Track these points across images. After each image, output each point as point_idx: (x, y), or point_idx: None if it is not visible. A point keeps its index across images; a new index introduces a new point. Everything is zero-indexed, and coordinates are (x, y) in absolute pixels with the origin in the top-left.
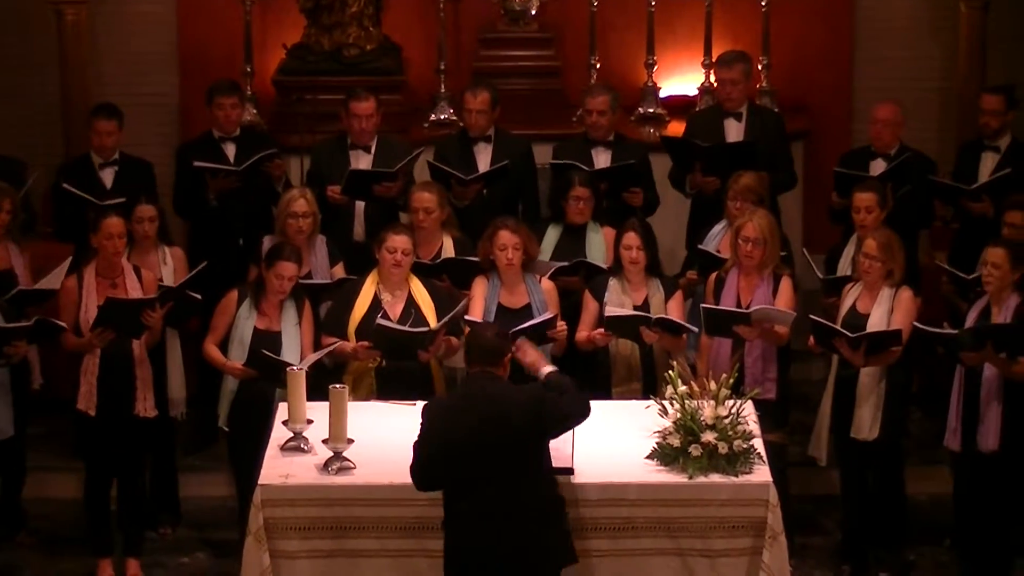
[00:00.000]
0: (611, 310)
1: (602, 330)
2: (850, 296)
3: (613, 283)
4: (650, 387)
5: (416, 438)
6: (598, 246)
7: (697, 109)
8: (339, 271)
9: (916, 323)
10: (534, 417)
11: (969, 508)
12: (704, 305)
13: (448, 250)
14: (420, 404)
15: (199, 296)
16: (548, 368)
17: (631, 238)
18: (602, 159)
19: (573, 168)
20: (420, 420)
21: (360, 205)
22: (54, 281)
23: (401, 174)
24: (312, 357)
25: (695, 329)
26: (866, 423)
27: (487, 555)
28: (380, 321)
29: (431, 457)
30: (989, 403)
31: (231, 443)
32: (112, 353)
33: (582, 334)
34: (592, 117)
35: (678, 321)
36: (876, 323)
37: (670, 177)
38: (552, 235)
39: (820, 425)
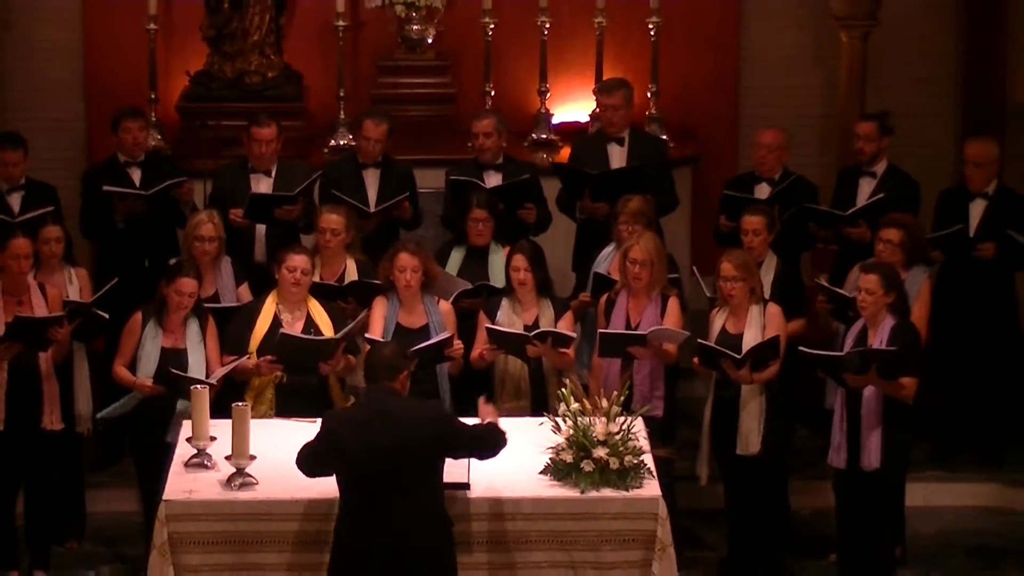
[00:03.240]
0: (492, 325)
1: (489, 346)
2: (718, 320)
3: (505, 303)
4: (539, 404)
5: (312, 439)
6: (501, 267)
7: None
8: (244, 291)
9: (802, 347)
10: (435, 432)
11: (853, 524)
12: (601, 330)
13: (351, 272)
14: (320, 421)
15: (106, 315)
16: (492, 419)
17: (518, 260)
18: (493, 181)
19: (471, 190)
20: (320, 428)
21: (261, 228)
22: None
23: (301, 197)
24: (220, 371)
25: (574, 335)
26: (752, 439)
27: (377, 565)
28: (284, 331)
29: (319, 457)
30: (870, 422)
31: (137, 459)
32: (19, 368)
33: (475, 352)
34: (479, 140)
35: (558, 331)
36: (752, 342)
37: (558, 202)
38: (456, 257)
39: (703, 445)
